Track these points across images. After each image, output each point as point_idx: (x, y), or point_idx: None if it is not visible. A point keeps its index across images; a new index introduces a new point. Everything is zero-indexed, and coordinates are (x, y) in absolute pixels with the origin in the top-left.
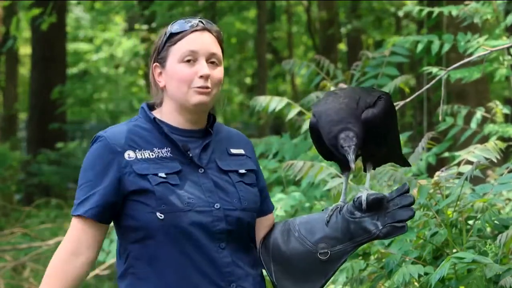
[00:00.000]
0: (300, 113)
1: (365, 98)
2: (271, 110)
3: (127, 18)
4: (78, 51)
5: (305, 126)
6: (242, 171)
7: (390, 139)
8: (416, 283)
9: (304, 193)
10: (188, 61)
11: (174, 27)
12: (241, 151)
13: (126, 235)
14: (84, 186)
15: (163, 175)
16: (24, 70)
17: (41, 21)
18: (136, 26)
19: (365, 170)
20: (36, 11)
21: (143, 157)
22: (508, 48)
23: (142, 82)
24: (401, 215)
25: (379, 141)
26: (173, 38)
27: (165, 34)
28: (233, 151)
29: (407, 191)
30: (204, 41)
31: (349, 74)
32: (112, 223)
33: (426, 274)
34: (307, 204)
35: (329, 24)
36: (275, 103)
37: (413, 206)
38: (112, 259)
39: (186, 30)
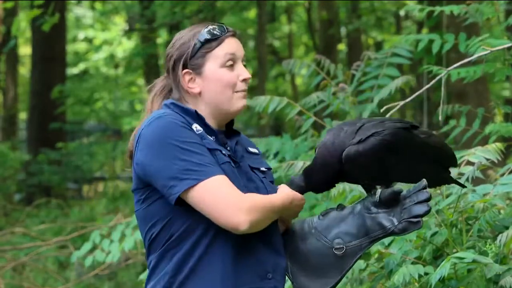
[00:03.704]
0: (300, 113)
1: (356, 136)
2: (271, 110)
3: (128, 19)
4: (78, 51)
5: (305, 126)
6: (263, 168)
7: (398, 173)
8: (416, 283)
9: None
10: (230, 67)
11: (208, 33)
12: (256, 151)
13: (178, 212)
14: (192, 148)
15: (225, 154)
16: (24, 70)
17: (42, 21)
18: (137, 25)
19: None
20: (37, 12)
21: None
22: (508, 48)
23: (142, 82)
24: (417, 211)
25: (373, 176)
26: (209, 44)
27: (197, 40)
28: (251, 150)
29: (425, 187)
30: (238, 45)
31: (349, 74)
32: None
33: (426, 274)
34: (307, 204)
35: (329, 24)
36: (275, 103)
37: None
38: (111, 260)
39: (221, 36)
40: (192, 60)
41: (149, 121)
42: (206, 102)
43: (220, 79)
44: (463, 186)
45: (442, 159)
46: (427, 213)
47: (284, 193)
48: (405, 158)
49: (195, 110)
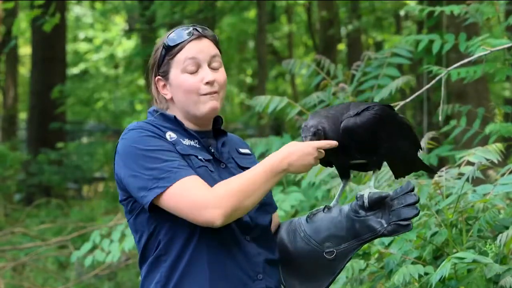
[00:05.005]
0: (300, 113)
1: (350, 110)
2: (271, 110)
3: (128, 19)
4: (78, 51)
5: None
6: None
7: (385, 149)
8: (416, 283)
9: (304, 193)
10: (192, 71)
11: (170, 40)
12: (248, 151)
13: (161, 219)
14: (160, 155)
15: (202, 158)
16: (24, 70)
17: (43, 21)
18: (137, 25)
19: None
20: (37, 12)
21: (181, 141)
22: (508, 48)
23: (142, 82)
24: (406, 214)
25: (366, 149)
26: (171, 50)
27: (163, 47)
28: (242, 150)
29: (412, 190)
30: (202, 47)
31: (349, 74)
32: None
33: (426, 274)
34: (307, 204)
35: (329, 24)
36: (275, 103)
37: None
38: (111, 260)
39: (183, 41)
40: (161, 67)
41: (122, 134)
42: (177, 107)
43: (181, 85)
44: (433, 172)
45: (413, 137)
46: (416, 215)
47: (268, 158)
48: (390, 133)
49: (174, 116)
